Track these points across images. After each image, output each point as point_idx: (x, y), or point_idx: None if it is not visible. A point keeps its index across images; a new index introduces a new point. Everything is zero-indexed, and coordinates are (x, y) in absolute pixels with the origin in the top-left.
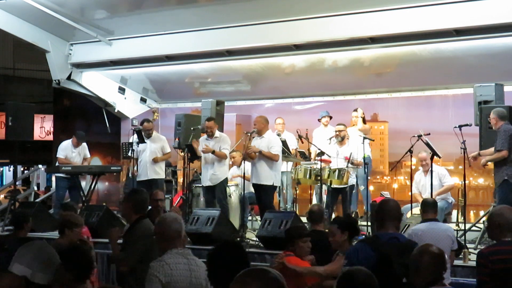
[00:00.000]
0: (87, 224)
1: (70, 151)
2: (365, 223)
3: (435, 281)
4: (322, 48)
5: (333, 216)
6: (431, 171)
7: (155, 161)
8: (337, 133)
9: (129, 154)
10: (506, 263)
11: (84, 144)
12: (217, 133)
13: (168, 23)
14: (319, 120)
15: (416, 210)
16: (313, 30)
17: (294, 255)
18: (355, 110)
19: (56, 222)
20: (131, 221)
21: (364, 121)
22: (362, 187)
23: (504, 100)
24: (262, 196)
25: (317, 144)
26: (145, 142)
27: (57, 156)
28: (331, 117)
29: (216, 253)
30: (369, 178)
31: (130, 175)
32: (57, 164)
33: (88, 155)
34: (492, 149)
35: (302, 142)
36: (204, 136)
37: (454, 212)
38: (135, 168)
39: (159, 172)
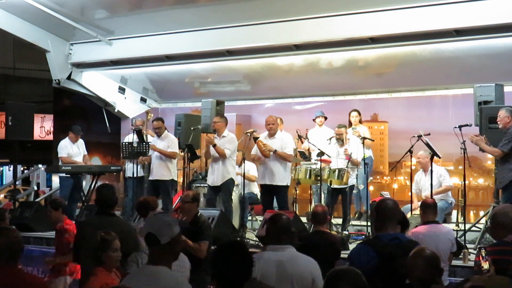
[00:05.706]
0: None
1: (71, 148)
2: (364, 223)
3: (429, 283)
4: (322, 48)
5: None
6: (431, 171)
7: (151, 148)
8: (337, 136)
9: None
10: (509, 263)
11: (81, 140)
12: (226, 132)
13: (168, 23)
14: (313, 120)
15: (416, 211)
16: (313, 30)
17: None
18: (355, 110)
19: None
20: (193, 216)
21: (360, 122)
22: (361, 186)
23: (504, 100)
24: (278, 197)
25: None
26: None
27: (60, 156)
28: (325, 118)
29: (220, 253)
30: (371, 178)
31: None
32: (60, 163)
33: (86, 152)
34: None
35: (302, 142)
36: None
37: (454, 212)
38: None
39: (165, 174)
